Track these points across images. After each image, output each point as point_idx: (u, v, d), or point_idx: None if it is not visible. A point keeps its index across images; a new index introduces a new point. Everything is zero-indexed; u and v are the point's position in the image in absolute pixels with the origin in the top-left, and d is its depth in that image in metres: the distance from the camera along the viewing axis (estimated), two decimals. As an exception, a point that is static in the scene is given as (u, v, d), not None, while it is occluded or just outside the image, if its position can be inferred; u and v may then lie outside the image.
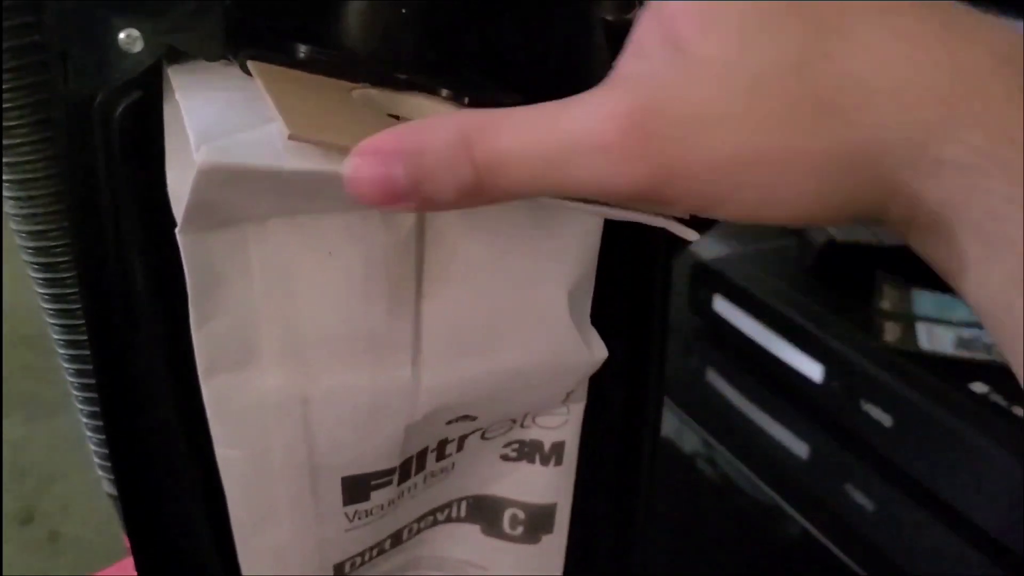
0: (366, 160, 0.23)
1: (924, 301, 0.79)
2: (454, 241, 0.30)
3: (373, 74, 0.29)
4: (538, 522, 0.39)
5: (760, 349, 0.82)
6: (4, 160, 0.34)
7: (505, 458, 0.37)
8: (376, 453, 0.32)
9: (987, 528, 0.63)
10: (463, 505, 0.39)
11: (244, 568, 0.34)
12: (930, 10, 0.22)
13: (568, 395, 0.36)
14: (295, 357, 0.29)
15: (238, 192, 0.25)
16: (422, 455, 0.35)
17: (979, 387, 0.68)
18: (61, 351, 0.38)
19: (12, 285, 1.86)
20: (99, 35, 0.28)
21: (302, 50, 0.28)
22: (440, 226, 0.30)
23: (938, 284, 0.85)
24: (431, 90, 0.29)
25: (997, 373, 0.69)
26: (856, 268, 0.83)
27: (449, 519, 0.39)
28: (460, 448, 0.36)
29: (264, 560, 0.34)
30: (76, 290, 0.36)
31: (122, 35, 0.28)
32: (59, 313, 0.37)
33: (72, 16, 0.28)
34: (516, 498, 0.38)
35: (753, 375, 0.84)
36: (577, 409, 0.36)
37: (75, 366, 0.38)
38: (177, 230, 0.27)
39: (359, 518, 0.34)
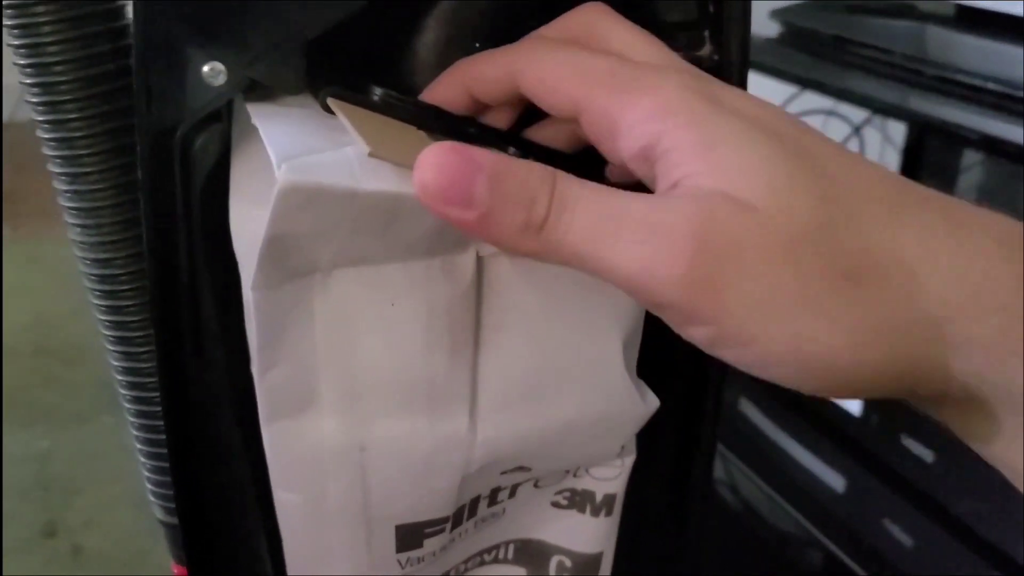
0: (456, 157, 0.23)
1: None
2: (511, 291, 0.30)
3: (444, 123, 0.29)
4: (584, 571, 0.38)
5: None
6: (74, 188, 0.34)
7: (556, 505, 0.37)
8: (431, 502, 0.32)
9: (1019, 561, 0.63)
10: (511, 548, 0.39)
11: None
12: (933, 202, 0.24)
13: (622, 448, 0.35)
14: (354, 404, 0.29)
15: (314, 220, 0.25)
16: (475, 503, 0.34)
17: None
18: (119, 377, 0.38)
19: (39, 296, 1.88)
20: (183, 67, 0.28)
21: (377, 93, 0.28)
22: (498, 276, 0.30)
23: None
24: (499, 147, 0.29)
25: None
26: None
27: (496, 560, 0.39)
28: (512, 495, 0.36)
29: None
30: (137, 318, 0.36)
31: (206, 68, 0.28)
32: (120, 340, 0.37)
33: (158, 48, 0.28)
34: (564, 546, 0.38)
35: (788, 406, 0.84)
36: (630, 462, 0.36)
37: (133, 392, 0.38)
38: (249, 286, 0.27)
39: (411, 564, 0.33)
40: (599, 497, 0.36)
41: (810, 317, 0.22)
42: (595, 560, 0.38)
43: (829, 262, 0.22)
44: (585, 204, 0.24)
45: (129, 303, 0.36)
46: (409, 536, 0.32)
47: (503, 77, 0.28)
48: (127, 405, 0.39)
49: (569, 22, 0.28)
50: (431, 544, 0.33)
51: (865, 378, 0.23)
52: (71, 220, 0.35)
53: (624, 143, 0.25)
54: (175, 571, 0.42)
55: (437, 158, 0.23)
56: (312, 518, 0.31)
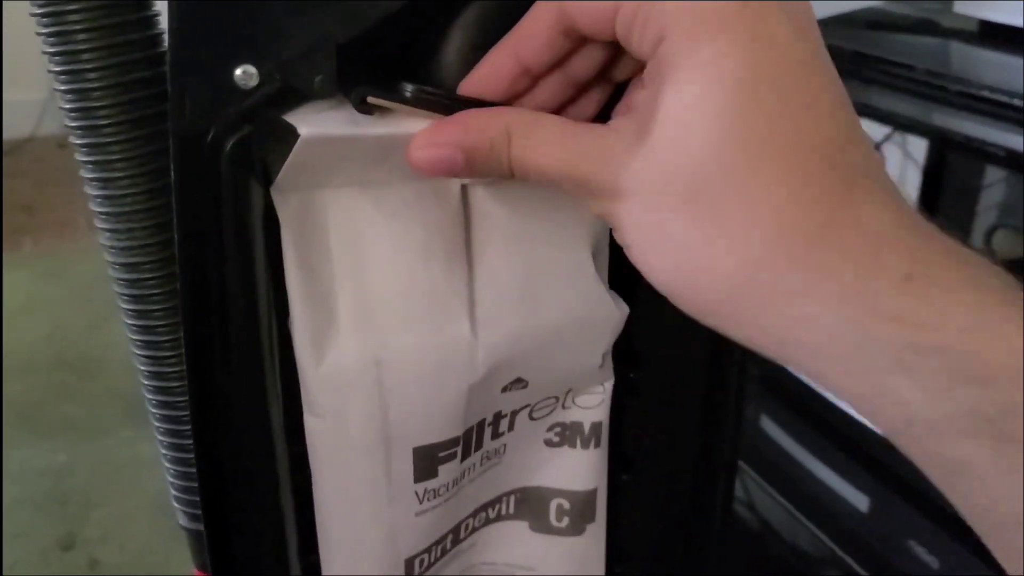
0: (431, 150, 0.28)
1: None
2: (492, 212, 0.34)
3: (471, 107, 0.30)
4: (582, 510, 0.41)
5: (818, 396, 0.81)
6: (105, 193, 0.34)
7: (549, 443, 0.40)
8: (443, 417, 0.34)
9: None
10: (511, 500, 0.41)
11: (324, 568, 0.36)
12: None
13: (603, 359, 0.38)
14: (367, 319, 0.32)
15: (327, 156, 0.29)
16: (480, 429, 0.37)
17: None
18: (146, 382, 0.38)
19: (57, 309, 1.89)
20: (216, 72, 0.28)
21: (408, 88, 0.29)
22: (480, 200, 0.33)
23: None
24: None
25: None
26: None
27: (500, 517, 0.41)
28: (511, 427, 0.38)
29: (343, 554, 0.36)
30: (165, 323, 0.36)
31: (238, 72, 0.28)
32: (147, 345, 0.37)
33: (191, 52, 0.28)
34: (561, 487, 0.41)
35: (809, 424, 0.83)
36: (608, 387, 0.39)
37: (159, 397, 0.38)
38: (272, 188, 0.30)
39: (428, 499, 0.36)
40: (587, 428, 0.39)
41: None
42: (590, 497, 0.41)
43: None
44: (540, 128, 0.28)
45: (157, 307, 0.36)
46: (425, 462, 0.35)
47: (550, 22, 0.28)
48: (152, 410, 0.39)
49: None
50: (445, 474, 0.36)
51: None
52: (102, 225, 0.36)
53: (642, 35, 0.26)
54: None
55: (423, 155, 0.28)
56: (337, 443, 0.33)
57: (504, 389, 0.36)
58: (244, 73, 0.28)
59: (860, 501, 0.77)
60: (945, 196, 1.25)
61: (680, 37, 0.25)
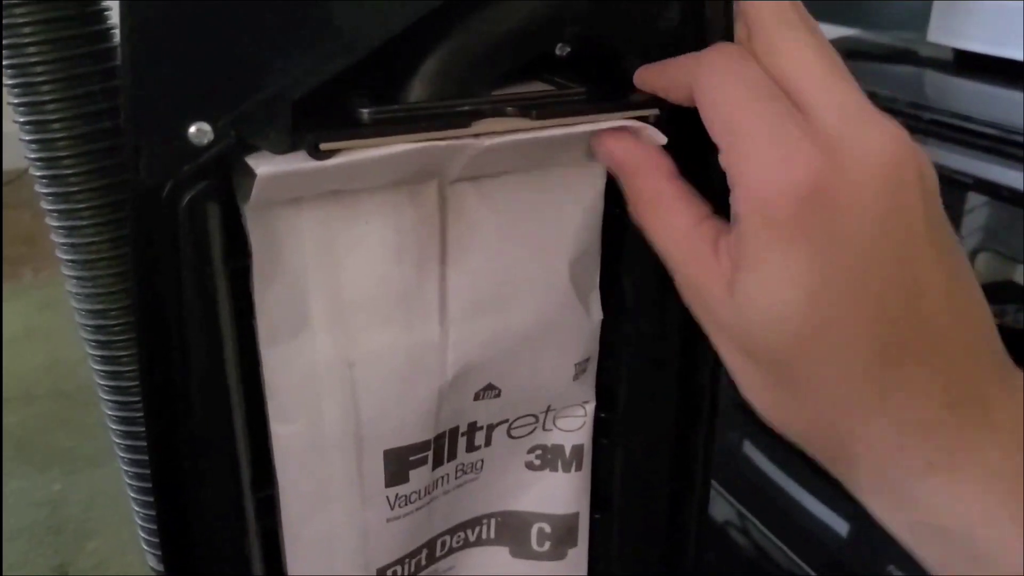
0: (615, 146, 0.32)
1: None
2: (473, 216, 0.34)
3: (437, 118, 0.31)
4: (563, 535, 0.41)
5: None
6: (71, 241, 0.35)
7: (530, 466, 0.40)
8: (414, 420, 0.35)
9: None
10: (492, 524, 0.41)
11: (291, 569, 0.36)
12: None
13: (578, 372, 0.39)
14: (340, 322, 0.33)
15: (291, 187, 0.30)
16: (453, 437, 0.37)
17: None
18: (113, 426, 0.39)
19: (55, 340, 1.90)
20: (170, 130, 0.29)
21: (365, 114, 0.30)
22: (462, 203, 0.34)
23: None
24: (498, 112, 0.32)
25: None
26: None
27: (480, 541, 0.42)
28: (488, 442, 0.39)
29: (311, 557, 0.36)
30: (131, 368, 0.37)
31: (192, 129, 0.29)
32: (114, 390, 0.38)
33: (145, 112, 0.29)
34: (542, 511, 0.41)
35: (793, 449, 0.83)
36: (590, 409, 0.40)
37: (127, 442, 0.39)
38: (247, 206, 0.30)
39: (399, 505, 0.36)
40: (568, 451, 0.40)
41: None
42: (572, 521, 0.41)
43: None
44: (669, 213, 0.31)
45: (123, 353, 0.37)
46: (396, 465, 0.35)
47: (682, 86, 0.30)
48: (120, 454, 0.39)
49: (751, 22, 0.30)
50: (416, 479, 0.36)
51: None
52: (68, 272, 0.37)
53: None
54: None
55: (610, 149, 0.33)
56: (309, 448, 0.34)
57: (476, 396, 0.37)
58: (198, 130, 0.29)
59: (840, 526, 0.78)
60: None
61: (752, 231, 0.27)
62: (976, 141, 0.79)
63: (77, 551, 1.26)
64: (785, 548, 0.75)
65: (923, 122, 0.82)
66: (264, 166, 0.29)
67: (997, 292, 1.00)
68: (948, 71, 0.88)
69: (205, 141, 0.29)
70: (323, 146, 0.29)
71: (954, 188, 1.04)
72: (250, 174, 0.29)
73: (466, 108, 0.32)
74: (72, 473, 1.43)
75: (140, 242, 0.30)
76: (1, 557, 1.22)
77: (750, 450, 0.87)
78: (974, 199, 1.24)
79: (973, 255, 1.19)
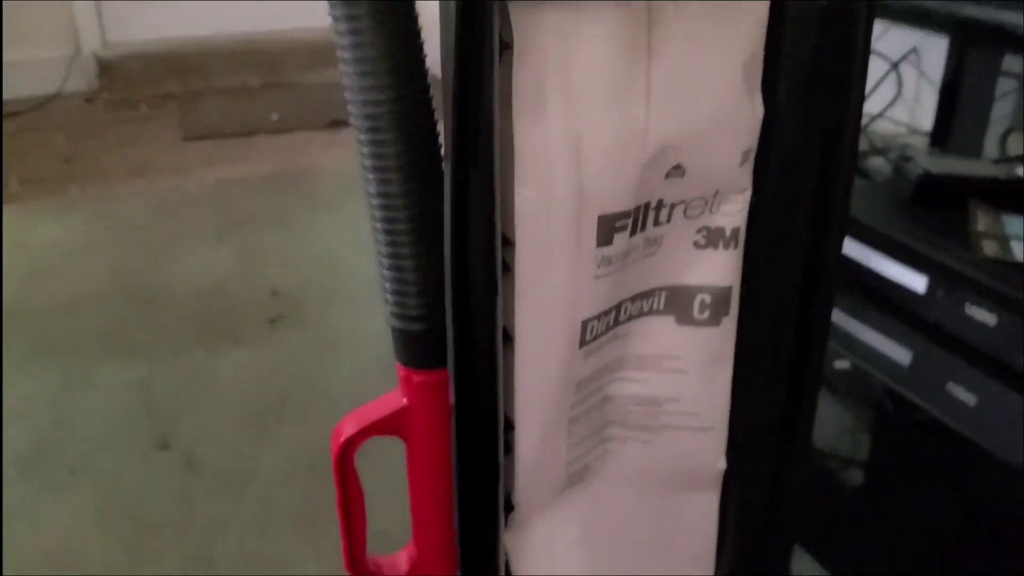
0: None
1: (1015, 224, 0.88)
2: (671, 21, 0.42)
3: None
4: (719, 304, 0.50)
5: (861, 268, 0.91)
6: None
7: (696, 245, 0.49)
8: (621, 190, 0.44)
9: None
10: (663, 296, 0.50)
11: (518, 328, 0.45)
12: None
13: (743, 159, 0.47)
14: (570, 103, 0.41)
15: None
16: (646, 210, 0.46)
17: (1074, 288, 0.76)
18: (375, 201, 0.46)
19: (115, 251, 1.97)
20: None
21: None
22: (661, 10, 0.42)
23: (1026, 210, 0.92)
24: None
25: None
26: (949, 198, 0.92)
27: (652, 311, 0.51)
28: (669, 219, 0.47)
29: (536, 308, 0.45)
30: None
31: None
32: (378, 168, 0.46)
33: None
34: (704, 284, 0.50)
35: (853, 292, 0.93)
36: (747, 196, 0.49)
37: (384, 213, 0.46)
38: (512, 4, 0.39)
39: (603, 265, 0.45)
40: (728, 231, 0.49)
41: None
42: (727, 292, 0.50)
43: None
44: None
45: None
46: (605, 229, 0.44)
47: None
48: (377, 225, 0.47)
49: None
50: (618, 242, 0.45)
51: None
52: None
53: None
54: (400, 372, 0.51)
55: None
56: (542, 211, 0.43)
57: (667, 175, 0.45)
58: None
59: (903, 356, 0.87)
60: (960, 109, 1.34)
61: None
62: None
63: (174, 425, 1.35)
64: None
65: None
66: None
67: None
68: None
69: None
70: None
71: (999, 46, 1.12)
72: None
73: None
74: (154, 362, 1.51)
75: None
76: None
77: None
78: (1004, 86, 1.33)
79: (1004, 135, 1.28)
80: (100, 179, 2.35)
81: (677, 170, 0.46)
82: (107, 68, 3.00)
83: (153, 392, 1.43)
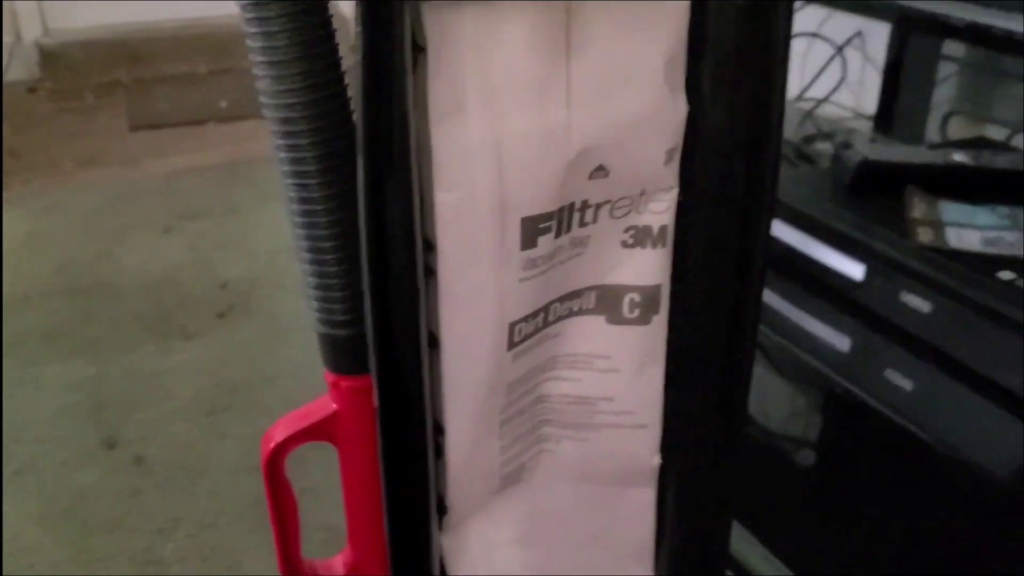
0: None
1: (951, 210, 0.89)
2: (590, 19, 0.42)
3: None
4: (649, 303, 0.50)
5: (800, 255, 0.92)
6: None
7: (624, 244, 0.49)
8: (544, 191, 0.43)
9: (1016, 392, 0.73)
10: (592, 296, 0.50)
11: (443, 330, 0.45)
12: None
13: (668, 158, 0.47)
14: (490, 105, 0.41)
15: None
16: (570, 211, 0.46)
17: (1006, 275, 0.77)
18: (294, 206, 0.46)
19: (62, 243, 1.94)
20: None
21: None
22: (580, 8, 0.41)
23: (962, 196, 0.95)
24: None
25: (1022, 264, 0.79)
26: (888, 184, 0.93)
27: (581, 311, 0.51)
28: (595, 219, 0.47)
29: (461, 310, 0.45)
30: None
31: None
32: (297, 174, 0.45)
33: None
34: (633, 283, 0.50)
35: (793, 280, 0.94)
36: (674, 194, 0.48)
37: (304, 219, 0.46)
38: (425, 6, 0.38)
39: (528, 268, 0.45)
40: (655, 230, 0.49)
41: None
42: (656, 291, 0.50)
43: None
44: None
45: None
46: (528, 232, 0.44)
47: None
48: (298, 230, 0.47)
49: None
50: (542, 245, 0.45)
51: None
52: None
53: None
54: (328, 378, 0.51)
55: None
56: (463, 214, 0.42)
57: (590, 176, 0.45)
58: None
59: (842, 343, 0.88)
60: (903, 92, 1.36)
61: None
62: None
63: (123, 423, 1.34)
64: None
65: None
66: None
67: (972, 143, 1.11)
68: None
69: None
70: None
71: (938, 36, 1.13)
72: None
73: None
74: (102, 359, 1.49)
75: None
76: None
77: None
78: (944, 70, 1.35)
79: (945, 118, 1.30)
80: (45, 172, 2.30)
81: (601, 171, 0.46)
82: (50, 56, 2.93)
83: (100, 390, 1.41)
